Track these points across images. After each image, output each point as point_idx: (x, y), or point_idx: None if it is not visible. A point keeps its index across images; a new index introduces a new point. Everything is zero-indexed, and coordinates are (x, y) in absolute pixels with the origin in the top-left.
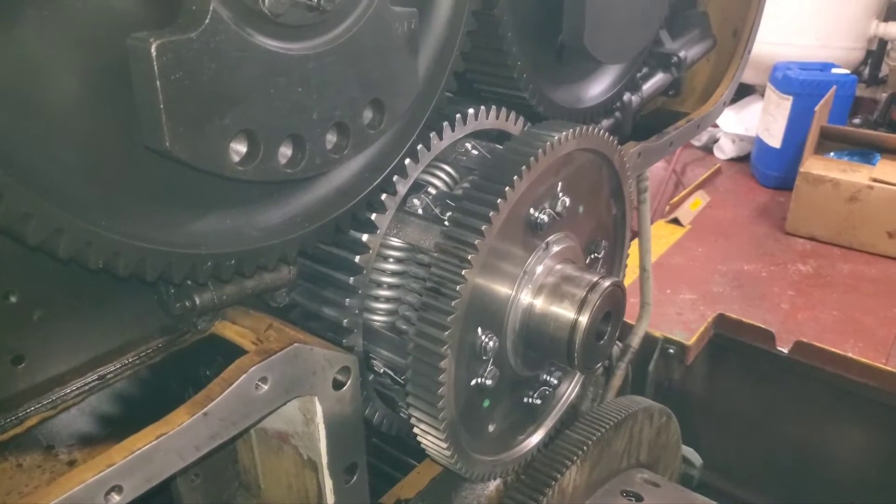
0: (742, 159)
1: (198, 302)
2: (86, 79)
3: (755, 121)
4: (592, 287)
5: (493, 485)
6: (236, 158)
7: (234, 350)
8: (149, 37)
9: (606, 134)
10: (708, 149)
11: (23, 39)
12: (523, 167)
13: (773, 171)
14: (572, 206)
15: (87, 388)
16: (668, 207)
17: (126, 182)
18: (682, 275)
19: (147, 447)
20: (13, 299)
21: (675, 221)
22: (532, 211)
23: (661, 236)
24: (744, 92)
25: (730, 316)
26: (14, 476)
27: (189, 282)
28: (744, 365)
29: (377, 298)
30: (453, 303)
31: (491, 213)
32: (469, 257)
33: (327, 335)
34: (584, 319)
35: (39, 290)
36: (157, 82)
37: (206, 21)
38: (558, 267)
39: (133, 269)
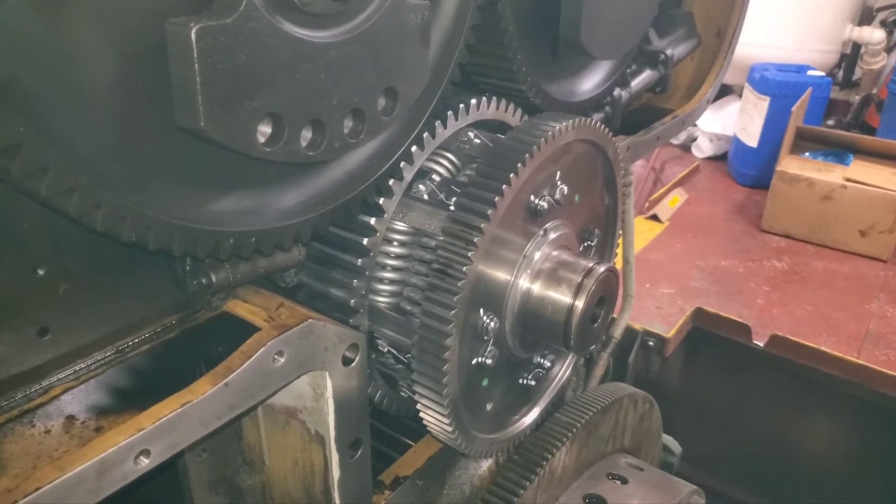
0: (719, 158)
1: (214, 279)
2: (123, 62)
3: (733, 120)
4: (588, 272)
5: (486, 464)
6: (262, 140)
7: (246, 328)
8: (188, 22)
9: (602, 126)
10: (686, 147)
11: (68, 23)
12: (527, 155)
13: (750, 169)
14: (569, 195)
15: (106, 361)
16: (647, 204)
17: (157, 162)
18: (662, 270)
19: (173, 414)
20: (41, 272)
21: (654, 218)
22: (532, 198)
23: (641, 232)
24: (722, 92)
25: (707, 310)
26: (43, 441)
27: (206, 260)
28: (720, 357)
29: (382, 280)
30: (459, 283)
31: (496, 199)
32: (475, 240)
33: (334, 315)
34: (580, 303)
35: (66, 265)
36: (196, 65)
37: (241, 8)
38: (555, 253)
39: (162, 244)
